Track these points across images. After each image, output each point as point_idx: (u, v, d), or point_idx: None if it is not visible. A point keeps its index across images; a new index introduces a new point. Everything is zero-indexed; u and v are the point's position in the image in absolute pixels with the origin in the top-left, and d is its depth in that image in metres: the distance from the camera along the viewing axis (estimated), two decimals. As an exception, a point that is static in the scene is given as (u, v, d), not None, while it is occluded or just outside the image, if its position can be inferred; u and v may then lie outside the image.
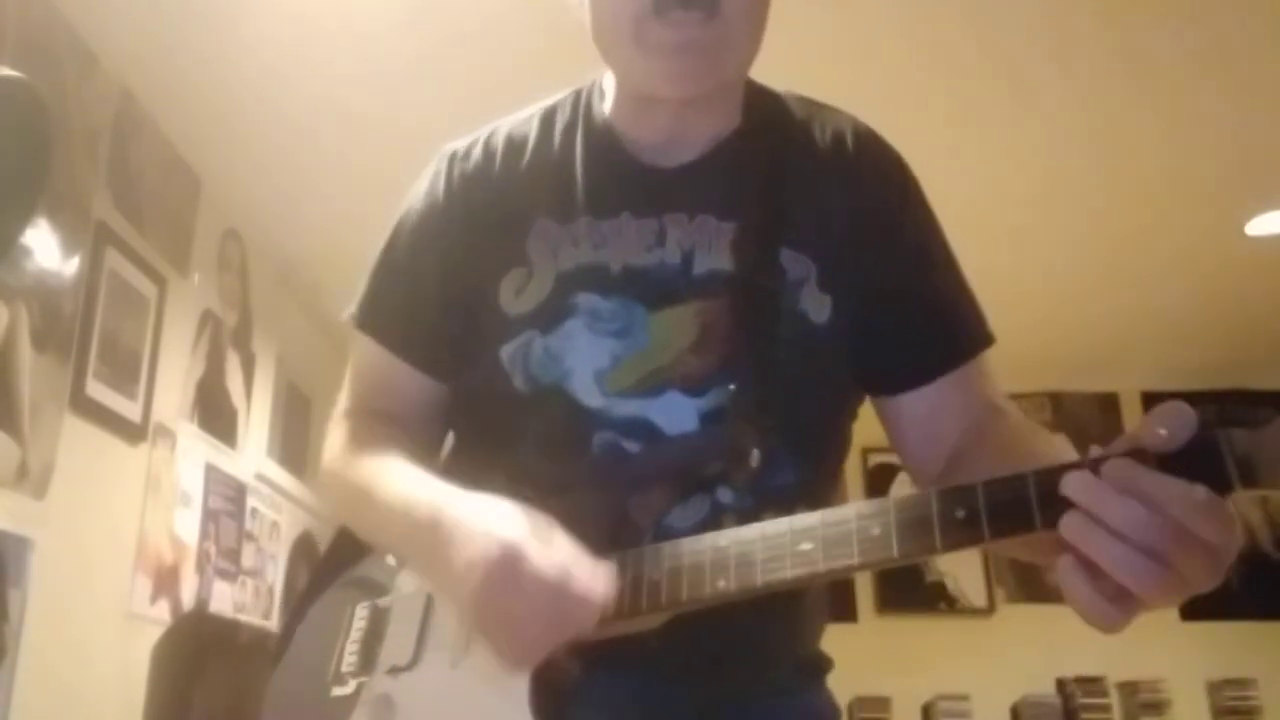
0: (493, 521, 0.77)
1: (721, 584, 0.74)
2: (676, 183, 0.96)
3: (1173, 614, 4.43)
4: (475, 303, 0.96)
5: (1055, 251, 3.48)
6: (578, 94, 1.04)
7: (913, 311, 0.94)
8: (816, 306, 0.91)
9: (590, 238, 0.94)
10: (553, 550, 0.75)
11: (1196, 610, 4.44)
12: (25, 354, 2.05)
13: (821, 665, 0.99)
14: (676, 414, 0.88)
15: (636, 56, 0.90)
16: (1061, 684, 4.18)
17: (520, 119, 1.04)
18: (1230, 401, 4.77)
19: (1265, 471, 0.61)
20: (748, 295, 0.90)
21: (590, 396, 0.89)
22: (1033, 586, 4.50)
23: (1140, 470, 0.60)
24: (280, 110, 2.68)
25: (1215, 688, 4.25)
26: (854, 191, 0.96)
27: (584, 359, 0.90)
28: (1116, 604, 0.61)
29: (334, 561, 1.04)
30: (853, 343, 0.92)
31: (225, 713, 2.58)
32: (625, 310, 0.91)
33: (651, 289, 0.91)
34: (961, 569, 4.51)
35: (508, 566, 0.73)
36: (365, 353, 1.04)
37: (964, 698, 4.09)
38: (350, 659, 0.93)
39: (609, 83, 1.01)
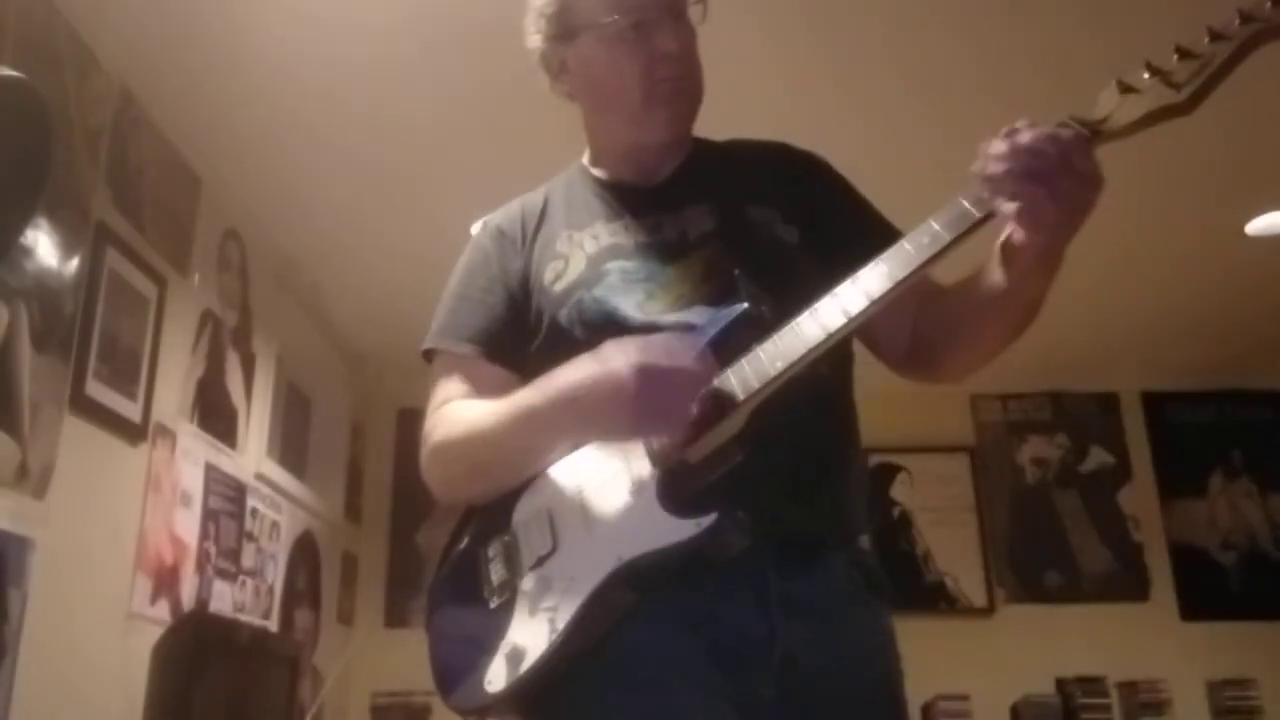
0: (603, 355, 1.01)
1: (775, 367, 0.99)
2: (659, 193, 1.25)
3: (1173, 614, 4.44)
4: (528, 291, 1.21)
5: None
6: (568, 170, 1.33)
7: (853, 225, 1.22)
8: (787, 233, 1.19)
9: (606, 232, 1.21)
10: (650, 341, 1.01)
11: (1196, 610, 4.45)
12: (25, 354, 2.05)
13: (883, 582, 1.16)
14: (707, 316, 1.09)
15: (646, 106, 1.20)
16: (1061, 684, 4.18)
17: (531, 194, 1.32)
18: (1230, 401, 4.77)
19: None
20: (734, 236, 1.18)
21: (636, 320, 1.11)
22: (1033, 586, 4.50)
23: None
24: (280, 110, 2.68)
25: (1215, 688, 4.24)
26: (785, 164, 1.29)
27: (625, 298, 1.14)
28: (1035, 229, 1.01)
29: (457, 536, 1.19)
30: (826, 262, 1.14)
31: (225, 713, 2.58)
32: (647, 266, 1.16)
33: (663, 253, 1.18)
34: (962, 569, 4.51)
35: (643, 361, 0.97)
36: (448, 365, 1.23)
37: (964, 698, 4.09)
38: (497, 577, 1.09)
39: (587, 158, 1.33)
